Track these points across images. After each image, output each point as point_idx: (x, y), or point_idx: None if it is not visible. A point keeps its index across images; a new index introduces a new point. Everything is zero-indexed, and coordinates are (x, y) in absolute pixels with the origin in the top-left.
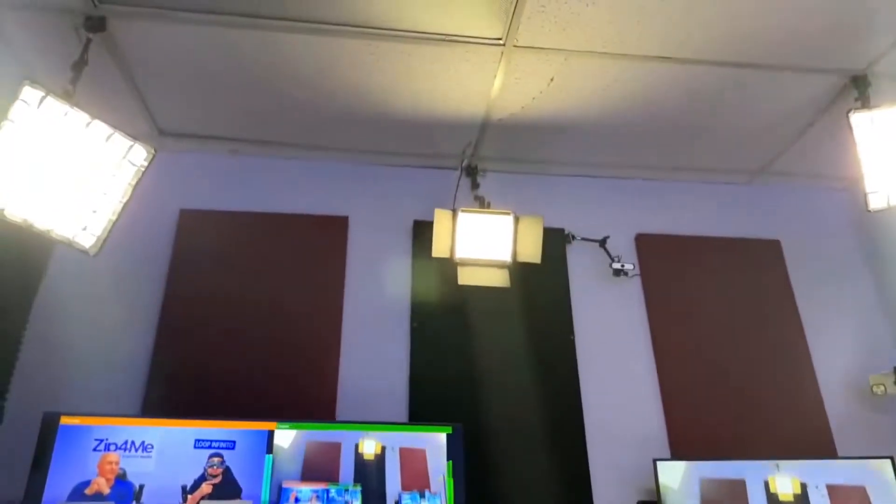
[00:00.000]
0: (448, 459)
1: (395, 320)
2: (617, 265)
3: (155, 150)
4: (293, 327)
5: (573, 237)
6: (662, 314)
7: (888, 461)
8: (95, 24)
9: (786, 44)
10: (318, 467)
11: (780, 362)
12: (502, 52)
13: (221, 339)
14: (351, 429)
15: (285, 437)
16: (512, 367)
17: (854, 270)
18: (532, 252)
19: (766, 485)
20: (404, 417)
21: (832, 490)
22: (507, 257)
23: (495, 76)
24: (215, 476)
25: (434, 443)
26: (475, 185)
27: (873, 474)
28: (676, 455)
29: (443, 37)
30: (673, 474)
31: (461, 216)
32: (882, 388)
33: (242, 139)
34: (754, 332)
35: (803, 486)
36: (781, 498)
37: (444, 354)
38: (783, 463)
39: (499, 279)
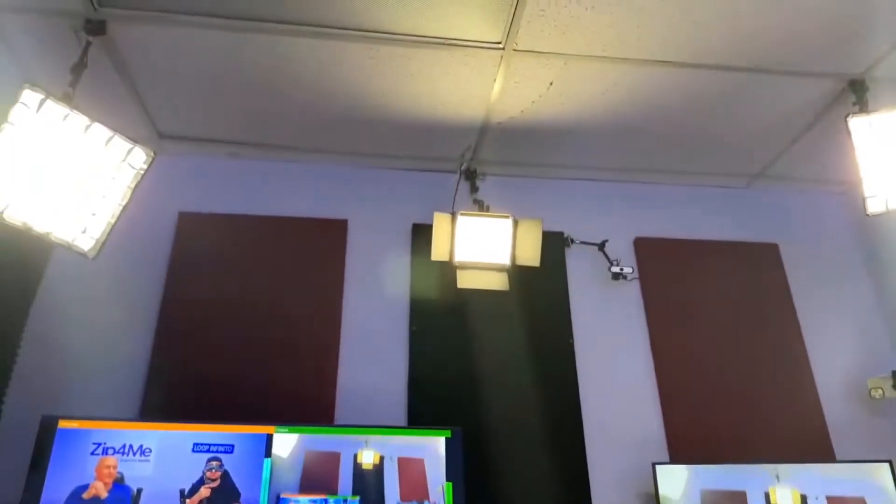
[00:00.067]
0: (448, 468)
1: (394, 323)
2: (616, 269)
3: (155, 154)
4: (292, 330)
5: (572, 241)
6: (661, 317)
7: (887, 465)
8: (95, 28)
9: (784, 48)
10: (317, 477)
11: (779, 366)
12: (502, 56)
13: (220, 342)
14: (350, 433)
15: (284, 445)
16: (511, 371)
17: (852, 274)
18: (531, 255)
19: (767, 496)
20: (403, 421)
21: (832, 502)
22: (506, 261)
23: (495, 80)
24: (214, 480)
25: (433, 452)
26: (474, 189)
27: (872, 483)
28: (675, 458)
29: (442, 40)
30: (674, 483)
31: (460, 219)
32: (880, 391)
33: (242, 142)
34: (753, 336)
35: (803, 498)
36: None
37: (444, 358)
38: (784, 471)
39: (498, 283)
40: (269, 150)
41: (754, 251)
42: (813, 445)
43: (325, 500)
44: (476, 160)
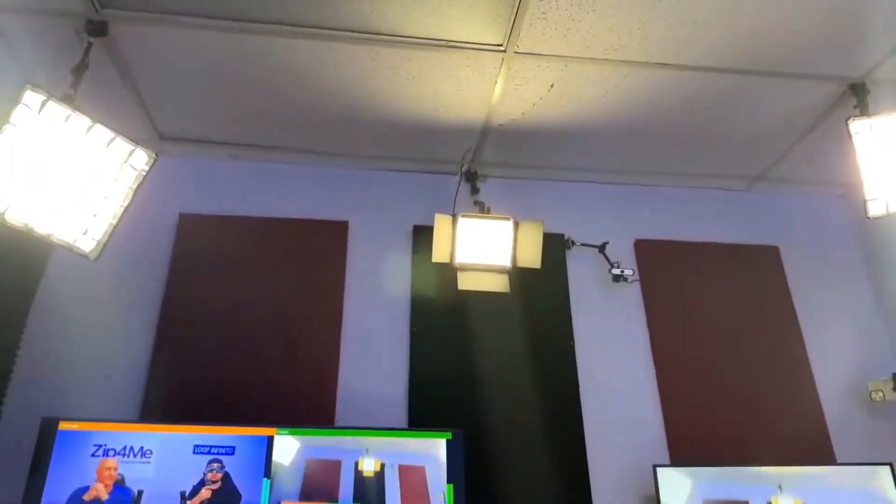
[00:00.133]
0: (448, 471)
1: (395, 325)
2: (616, 271)
3: (156, 155)
4: (293, 332)
5: (573, 242)
6: (662, 319)
7: (887, 468)
8: (97, 29)
9: (785, 51)
10: (318, 485)
11: (779, 368)
12: (503, 59)
13: (220, 343)
14: (350, 434)
15: (285, 453)
16: (512, 372)
17: (853, 276)
18: (532, 257)
19: None
20: (404, 423)
21: None
22: (506, 262)
23: (496, 82)
24: (215, 482)
25: (433, 459)
26: (475, 191)
27: (874, 493)
28: (676, 459)
29: (444, 43)
30: (676, 492)
31: (461, 221)
32: (881, 394)
33: (242, 144)
34: (753, 338)
35: None
36: None
37: (444, 359)
38: (787, 480)
39: (499, 284)
40: (269, 151)
41: (755, 253)
42: (813, 448)
43: None
44: (477, 162)
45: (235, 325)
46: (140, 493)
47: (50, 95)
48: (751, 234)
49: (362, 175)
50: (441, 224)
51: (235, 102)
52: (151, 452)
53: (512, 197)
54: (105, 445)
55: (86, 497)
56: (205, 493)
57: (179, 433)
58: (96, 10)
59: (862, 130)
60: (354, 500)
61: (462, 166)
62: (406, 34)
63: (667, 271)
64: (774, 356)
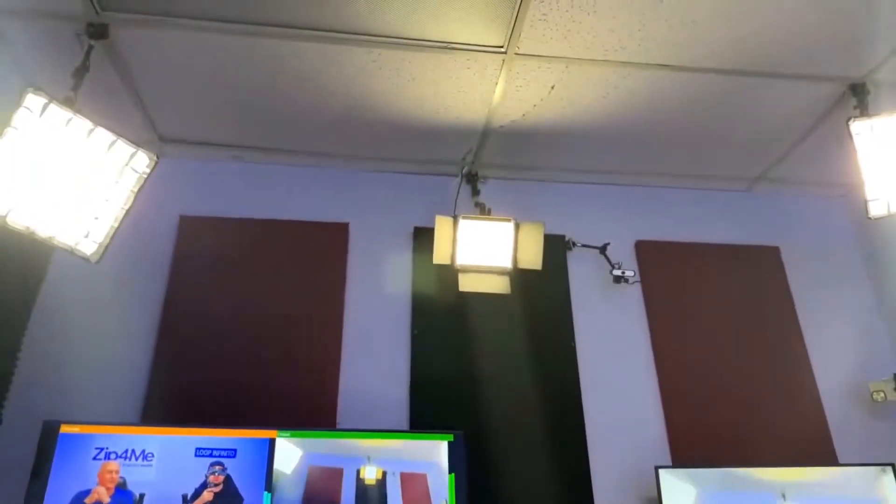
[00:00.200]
0: (450, 472)
1: (396, 327)
2: (617, 272)
3: (157, 158)
4: (294, 334)
5: (574, 244)
6: (663, 321)
7: (889, 468)
8: (98, 31)
9: (785, 52)
10: (320, 493)
11: (780, 369)
12: (504, 60)
13: (221, 346)
14: (351, 437)
15: (287, 461)
16: (513, 374)
17: (853, 277)
18: (533, 259)
19: None
20: (405, 425)
21: None
22: (507, 264)
23: (496, 83)
24: (216, 484)
25: (435, 466)
26: (476, 192)
27: (879, 501)
28: (677, 460)
29: (445, 44)
30: (678, 494)
31: (462, 223)
32: (882, 394)
33: (243, 146)
34: (754, 339)
35: None
36: None
37: (446, 361)
38: (790, 488)
39: (500, 286)
40: (270, 153)
41: (755, 254)
42: (815, 448)
43: None
44: (478, 163)
45: (236, 327)
46: (142, 496)
47: (52, 98)
48: (751, 234)
49: (363, 177)
50: (442, 225)
51: (235, 104)
52: (153, 455)
53: (513, 198)
54: (107, 448)
55: (87, 500)
56: (206, 495)
57: (181, 436)
58: (97, 13)
59: (863, 131)
60: None
61: (463, 168)
62: (407, 36)
63: (668, 272)
64: (775, 357)
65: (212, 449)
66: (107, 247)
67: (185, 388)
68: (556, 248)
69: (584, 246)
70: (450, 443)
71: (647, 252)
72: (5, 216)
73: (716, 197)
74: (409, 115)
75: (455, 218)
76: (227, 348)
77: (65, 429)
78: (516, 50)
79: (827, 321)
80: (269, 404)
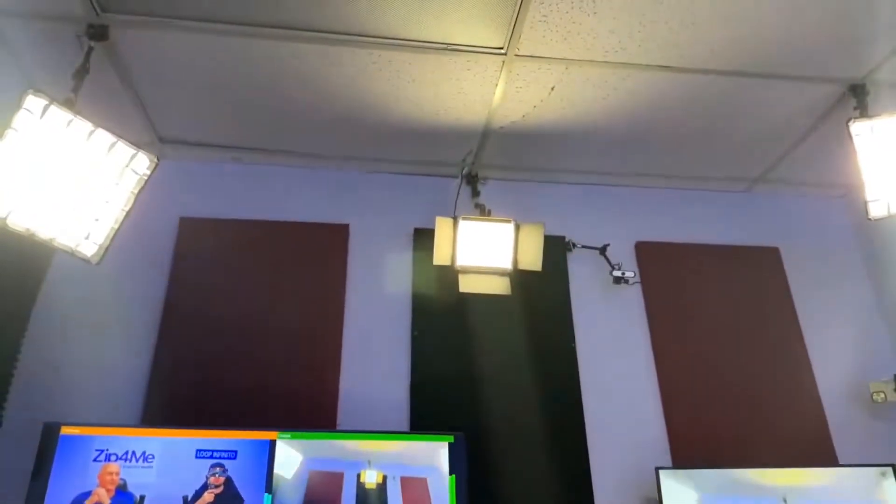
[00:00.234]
0: (451, 473)
1: (396, 328)
2: (617, 273)
3: (158, 159)
4: (293, 335)
5: (574, 245)
6: (663, 321)
7: (889, 469)
8: (98, 33)
9: (785, 52)
10: (320, 498)
11: (781, 369)
12: (504, 61)
13: (222, 347)
14: (352, 438)
15: (287, 465)
16: (513, 375)
17: (853, 277)
18: (533, 260)
19: None
20: (405, 426)
21: None
22: (507, 265)
23: (496, 85)
24: (217, 486)
25: (436, 471)
26: (476, 193)
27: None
28: (677, 461)
29: (445, 46)
30: (678, 495)
31: (462, 224)
32: (882, 395)
33: (243, 147)
34: (754, 339)
35: None
36: None
37: (446, 362)
38: (791, 494)
39: (500, 287)
40: (270, 154)
41: (755, 255)
42: (815, 449)
43: None
44: (478, 164)
45: (237, 328)
46: (142, 497)
47: (52, 100)
48: (751, 235)
49: (363, 178)
50: (442, 227)
51: (235, 106)
52: (153, 457)
53: (513, 199)
54: (107, 450)
55: (88, 502)
56: (207, 497)
57: (182, 437)
58: (97, 14)
59: (863, 132)
60: None
61: (463, 169)
62: (407, 37)
63: (668, 273)
64: (775, 357)
65: (212, 450)
66: (107, 248)
67: (186, 389)
68: (556, 249)
69: (584, 247)
70: (450, 444)
71: (647, 253)
72: (6, 218)
73: (716, 198)
74: (409, 116)
75: (455, 219)
76: (227, 349)
77: (65, 430)
78: (516, 51)
79: (827, 322)
80: (270, 405)
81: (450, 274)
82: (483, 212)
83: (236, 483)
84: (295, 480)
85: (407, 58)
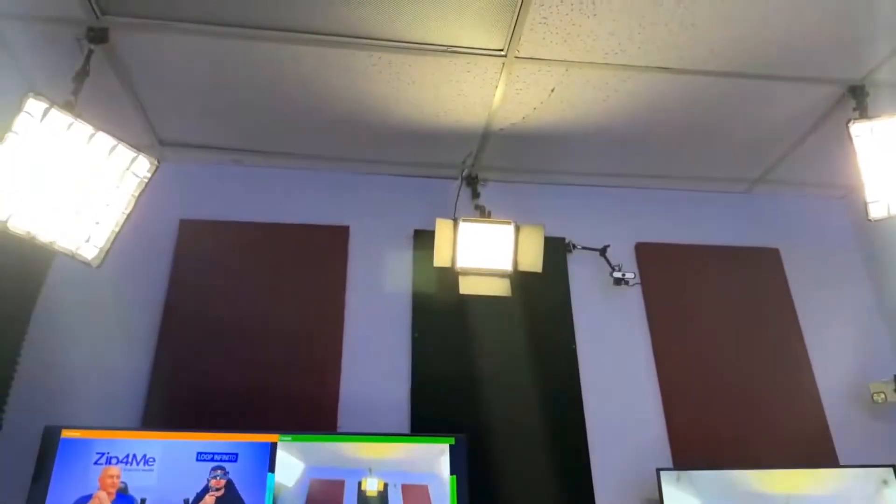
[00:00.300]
0: (452, 474)
1: (397, 330)
2: (618, 274)
3: (158, 162)
4: (294, 338)
5: (574, 246)
6: (663, 322)
7: (890, 469)
8: (98, 36)
9: (784, 54)
10: None
11: (781, 370)
12: (504, 63)
13: (222, 349)
14: (353, 440)
15: (288, 473)
16: (513, 376)
17: (853, 278)
18: (533, 261)
19: None
20: (406, 428)
21: None
22: (508, 267)
23: (496, 87)
24: (218, 489)
25: (437, 478)
26: (476, 195)
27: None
28: (678, 463)
29: (445, 48)
30: (679, 496)
31: (462, 225)
32: (882, 395)
33: (243, 149)
34: (755, 340)
35: None
36: None
37: (446, 364)
38: (793, 501)
39: (500, 288)
40: (270, 156)
41: (755, 256)
42: (816, 450)
43: None
44: (477, 166)
45: (237, 330)
46: (143, 500)
47: (52, 103)
48: (751, 236)
49: (363, 180)
50: (442, 228)
51: (236, 108)
52: (154, 460)
53: (513, 201)
54: (108, 453)
55: None
56: (208, 499)
57: (182, 440)
58: (97, 17)
59: (862, 133)
60: None
61: (463, 170)
62: (407, 40)
63: (668, 274)
64: (776, 358)
65: (213, 453)
66: (108, 251)
67: (186, 391)
68: (556, 250)
69: (584, 248)
70: (451, 445)
71: (648, 254)
72: (6, 221)
73: (716, 199)
74: (409, 118)
75: (455, 221)
76: (227, 352)
77: (66, 434)
78: (516, 53)
79: (827, 322)
80: (270, 408)
81: (450, 275)
82: (483, 213)
83: (237, 486)
84: (296, 488)
85: (407, 60)
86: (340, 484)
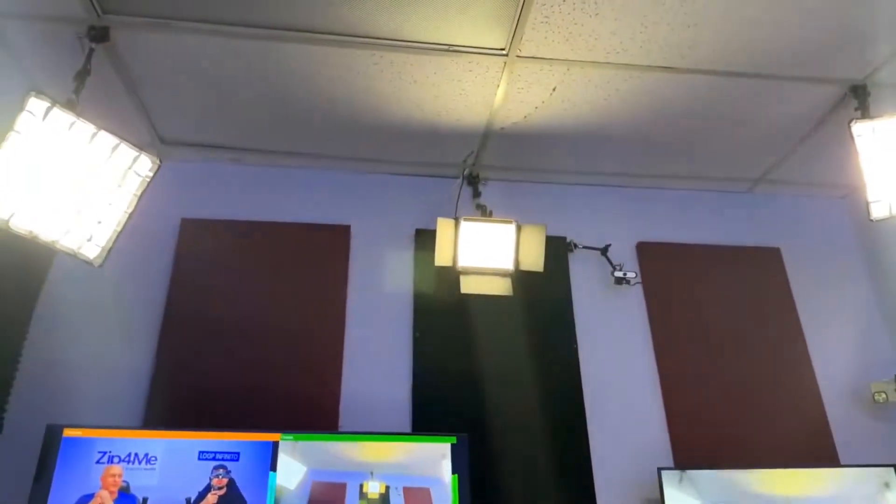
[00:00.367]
0: (453, 473)
1: (398, 329)
2: (619, 273)
3: (160, 161)
4: (295, 337)
5: (575, 245)
6: (664, 322)
7: (891, 469)
8: (99, 34)
9: (786, 54)
10: None
11: (782, 370)
12: (505, 63)
13: (223, 348)
14: (354, 440)
15: (290, 475)
16: (515, 376)
17: (854, 278)
18: (534, 261)
19: None
20: (408, 427)
21: None
22: (509, 266)
23: (498, 86)
24: (220, 488)
25: (439, 481)
26: (477, 194)
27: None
28: (679, 462)
29: (446, 47)
30: (680, 496)
31: (463, 225)
32: (883, 395)
33: (244, 148)
34: (755, 340)
35: None
36: None
37: (448, 363)
38: (795, 500)
39: (501, 288)
40: (271, 155)
41: (756, 255)
42: (817, 450)
43: None
44: (479, 165)
45: (238, 330)
46: (145, 500)
47: (54, 102)
48: (752, 236)
49: (364, 179)
50: (443, 228)
51: (237, 107)
52: (156, 459)
53: (514, 200)
54: (109, 452)
55: None
56: (211, 498)
57: (184, 439)
58: (98, 16)
59: (864, 133)
60: None
61: (464, 170)
62: (409, 39)
63: (669, 273)
64: (776, 358)
65: (215, 452)
66: (110, 250)
67: (187, 390)
68: (557, 249)
69: (585, 247)
70: (452, 445)
71: (649, 253)
72: (8, 220)
73: (717, 198)
74: (410, 117)
75: (456, 220)
76: (228, 351)
77: (67, 433)
78: (518, 52)
79: (828, 322)
80: (272, 407)
81: (451, 275)
82: (484, 213)
83: (239, 485)
84: (298, 491)
85: (409, 59)
86: (342, 487)
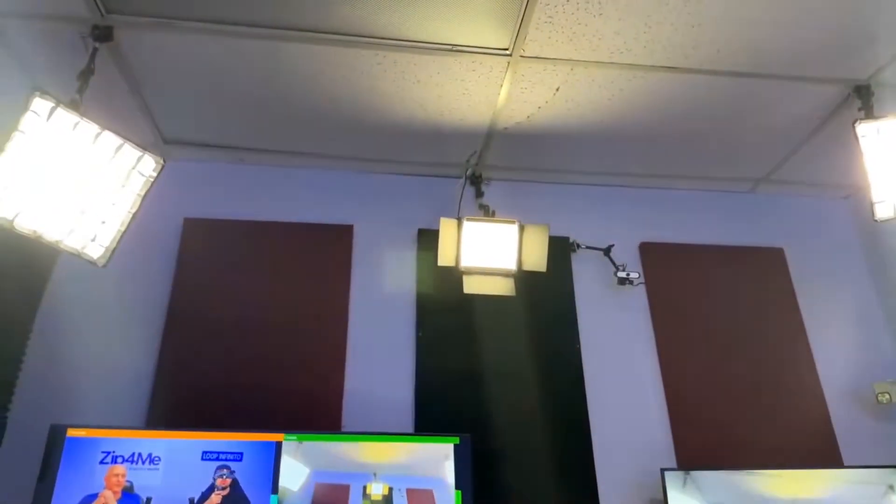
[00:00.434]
0: (455, 473)
1: (401, 329)
2: (622, 274)
3: (164, 161)
4: (298, 337)
5: (578, 245)
6: (667, 322)
7: (895, 470)
8: (102, 34)
9: (790, 54)
10: None
11: (785, 370)
12: (509, 62)
13: (226, 348)
14: (357, 440)
15: (294, 477)
16: (518, 376)
17: (858, 278)
18: (537, 261)
19: None
20: (411, 428)
21: None
22: (512, 266)
23: (501, 86)
24: (224, 488)
25: (442, 483)
26: (480, 194)
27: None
28: (682, 463)
29: (450, 47)
30: (683, 496)
31: (466, 225)
32: (887, 396)
33: (247, 148)
34: (759, 340)
35: None
36: None
37: (451, 363)
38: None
39: (504, 288)
40: (274, 155)
41: (760, 256)
42: (820, 450)
43: None
44: (482, 165)
45: (241, 329)
46: (149, 500)
47: (58, 102)
48: (756, 236)
49: (367, 179)
50: (446, 228)
51: (240, 107)
52: (160, 459)
53: (517, 200)
54: (113, 452)
55: None
56: (214, 498)
57: (188, 439)
58: (102, 16)
59: (868, 133)
60: None
61: (467, 170)
62: (412, 38)
63: (672, 274)
64: (780, 358)
65: (218, 452)
66: (114, 251)
67: (191, 390)
68: (560, 249)
69: (588, 248)
70: (455, 445)
71: (652, 254)
72: (12, 220)
73: (720, 198)
74: (413, 117)
75: (459, 220)
76: (231, 351)
77: (71, 432)
78: (521, 52)
79: (832, 323)
80: (275, 407)
81: (454, 275)
82: (487, 213)
83: (242, 485)
84: (301, 493)
85: (412, 59)
86: (345, 489)
